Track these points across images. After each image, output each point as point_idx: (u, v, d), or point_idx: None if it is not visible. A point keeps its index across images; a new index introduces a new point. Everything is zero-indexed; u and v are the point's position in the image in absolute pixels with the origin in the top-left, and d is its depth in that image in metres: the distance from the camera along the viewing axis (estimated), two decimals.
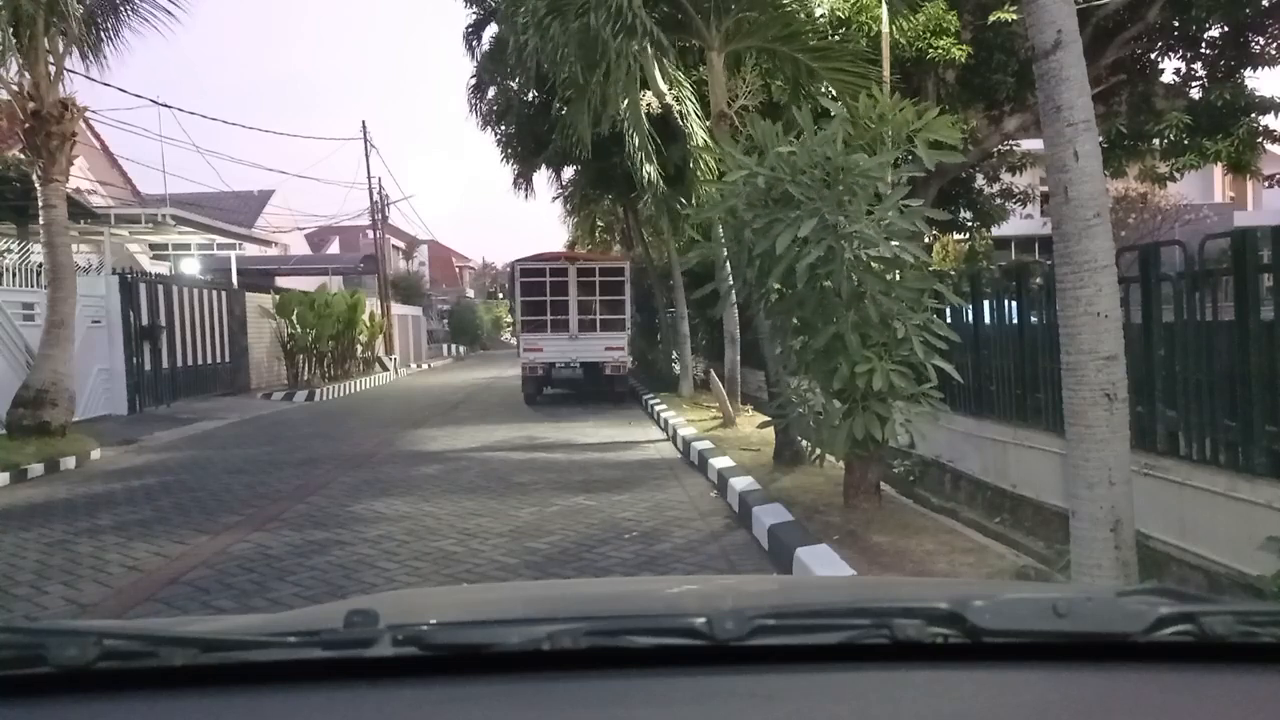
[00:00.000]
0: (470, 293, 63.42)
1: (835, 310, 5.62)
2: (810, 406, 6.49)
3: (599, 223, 26.95)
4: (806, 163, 5.53)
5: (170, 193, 21.36)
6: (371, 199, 31.20)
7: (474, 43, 17.83)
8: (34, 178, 11.36)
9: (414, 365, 34.47)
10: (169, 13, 11.75)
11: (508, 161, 19.35)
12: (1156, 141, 12.82)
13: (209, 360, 19.00)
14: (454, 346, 47.77)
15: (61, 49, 11.33)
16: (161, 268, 21.76)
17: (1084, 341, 3.52)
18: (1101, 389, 3.49)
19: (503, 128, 18.45)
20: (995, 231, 17.21)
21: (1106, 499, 3.50)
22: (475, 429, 13.26)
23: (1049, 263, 4.53)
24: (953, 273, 8.83)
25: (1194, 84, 12.40)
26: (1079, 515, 3.60)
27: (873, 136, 5.72)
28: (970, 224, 16.13)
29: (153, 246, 21.73)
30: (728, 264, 7.56)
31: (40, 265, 12.52)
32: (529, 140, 17.83)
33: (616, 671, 1.00)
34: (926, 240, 14.37)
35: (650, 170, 12.36)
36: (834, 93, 8.81)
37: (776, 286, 5.95)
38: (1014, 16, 10.22)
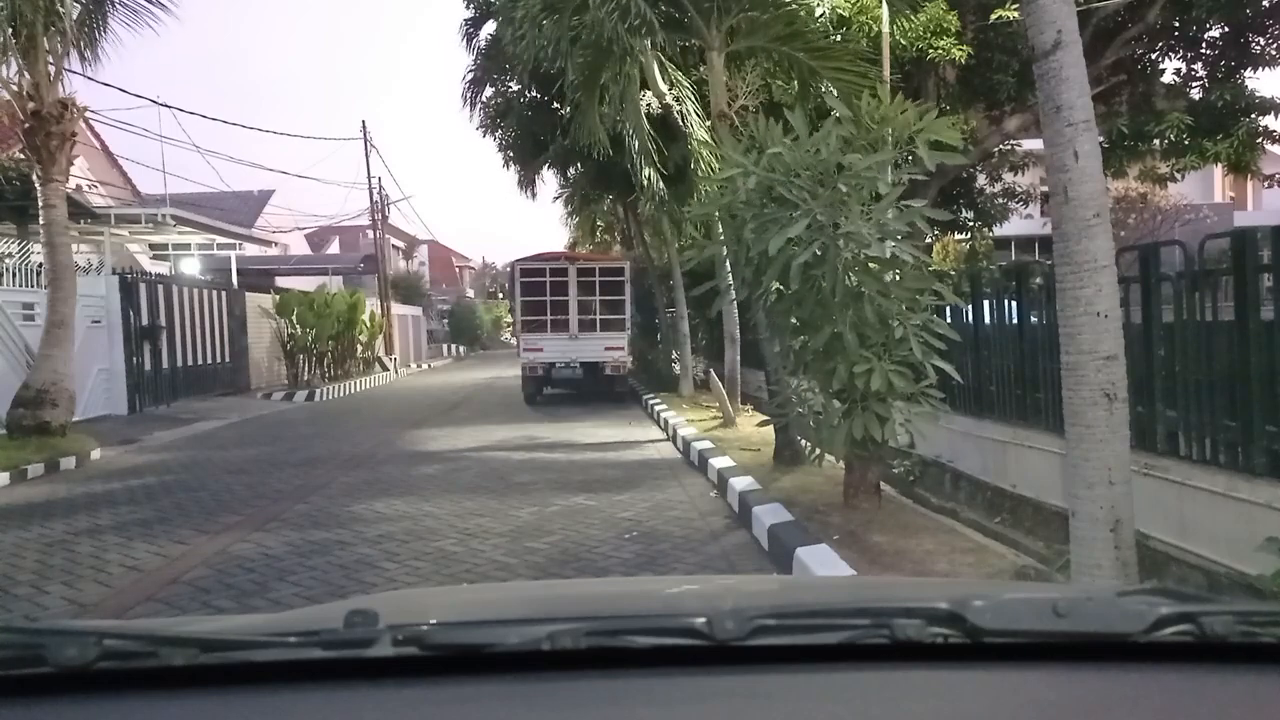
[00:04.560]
0: (470, 293, 63.42)
1: (833, 310, 5.61)
2: (810, 406, 6.49)
3: (599, 223, 26.98)
4: (799, 163, 5.53)
5: (170, 193, 21.36)
6: (371, 199, 31.21)
7: (472, 37, 17.82)
8: (34, 178, 11.35)
9: (414, 365, 34.48)
10: (165, 7, 11.76)
11: (508, 165, 19.36)
12: (1157, 142, 12.83)
13: (209, 360, 19.00)
14: (454, 346, 47.77)
15: (60, 49, 11.33)
16: (161, 268, 21.76)
17: (1084, 341, 3.51)
18: (1101, 389, 3.49)
19: (502, 129, 18.44)
20: (995, 231, 17.22)
21: (1106, 499, 3.50)
22: (475, 429, 13.26)
23: (1049, 263, 4.53)
24: (952, 272, 8.83)
25: (1194, 84, 12.42)
26: (1079, 515, 3.60)
27: (875, 137, 5.71)
28: (971, 224, 16.15)
29: (153, 246, 21.73)
30: (727, 262, 7.56)
31: (40, 265, 12.52)
32: (529, 141, 17.83)
33: (616, 671, 0.99)
34: (927, 240, 14.40)
35: (650, 173, 12.36)
36: (835, 92, 8.81)
37: (775, 286, 5.95)
38: (1015, 15, 10.23)
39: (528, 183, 20.04)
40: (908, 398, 5.79)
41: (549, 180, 20.85)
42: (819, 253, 5.38)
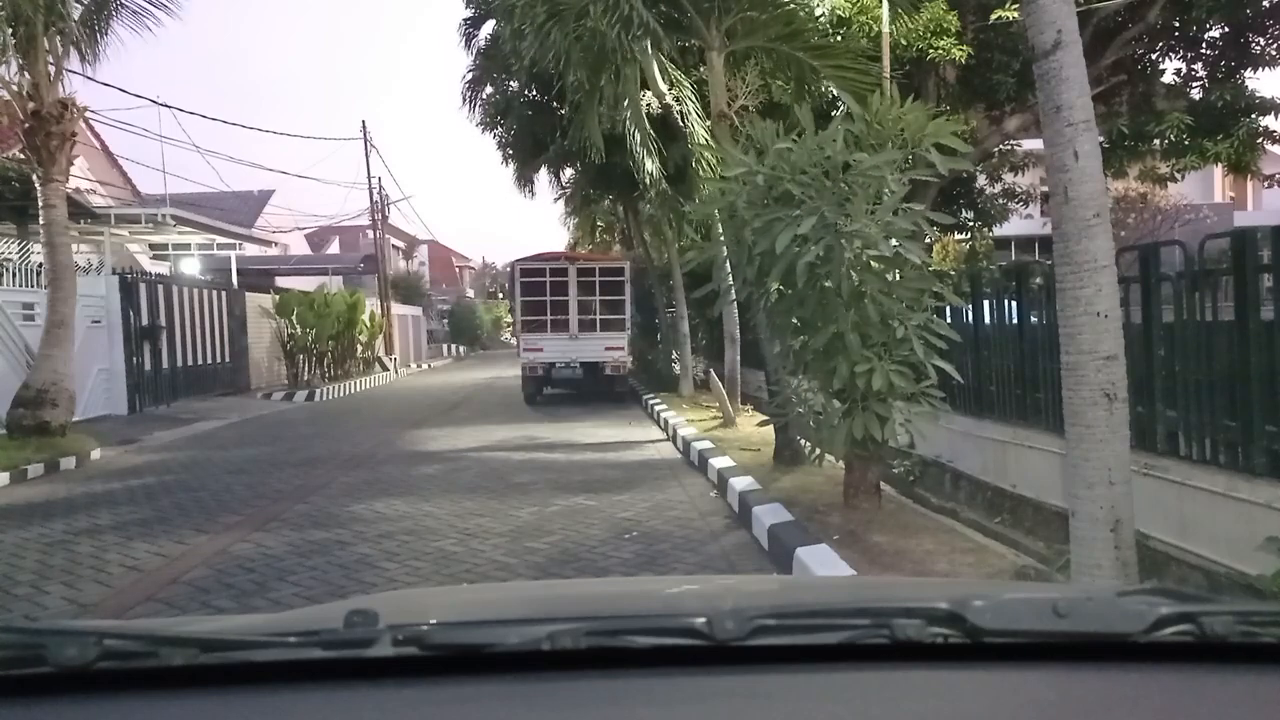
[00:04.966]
0: (470, 293, 63.43)
1: (835, 310, 5.62)
2: (810, 406, 6.49)
3: (599, 223, 26.97)
4: (806, 161, 5.53)
5: (170, 193, 21.37)
6: (371, 199, 31.22)
7: (471, 36, 17.81)
8: (34, 178, 11.35)
9: (414, 365, 34.48)
10: (166, 9, 11.76)
11: (507, 163, 19.35)
12: (1157, 142, 12.83)
13: (209, 360, 19.00)
14: (454, 346, 47.77)
15: (60, 49, 11.33)
16: (161, 268, 21.76)
17: (1084, 341, 3.52)
18: (1101, 389, 3.49)
19: (502, 127, 18.43)
20: (995, 231, 17.22)
21: (1106, 499, 3.50)
22: (475, 429, 13.26)
23: (1049, 263, 4.53)
24: (953, 273, 8.83)
25: (1194, 84, 12.41)
26: (1079, 515, 3.60)
27: (885, 137, 5.71)
28: (971, 224, 16.15)
29: (153, 246, 21.73)
30: (728, 263, 7.57)
31: (40, 265, 12.52)
32: (528, 141, 17.82)
33: (616, 671, 0.99)
34: (927, 240, 14.41)
35: (652, 167, 12.37)
36: (836, 91, 8.82)
37: (776, 286, 5.95)
38: (1015, 15, 10.23)
39: (525, 182, 20.03)
40: (908, 397, 5.79)
41: (549, 180, 20.86)
42: (822, 253, 5.38)
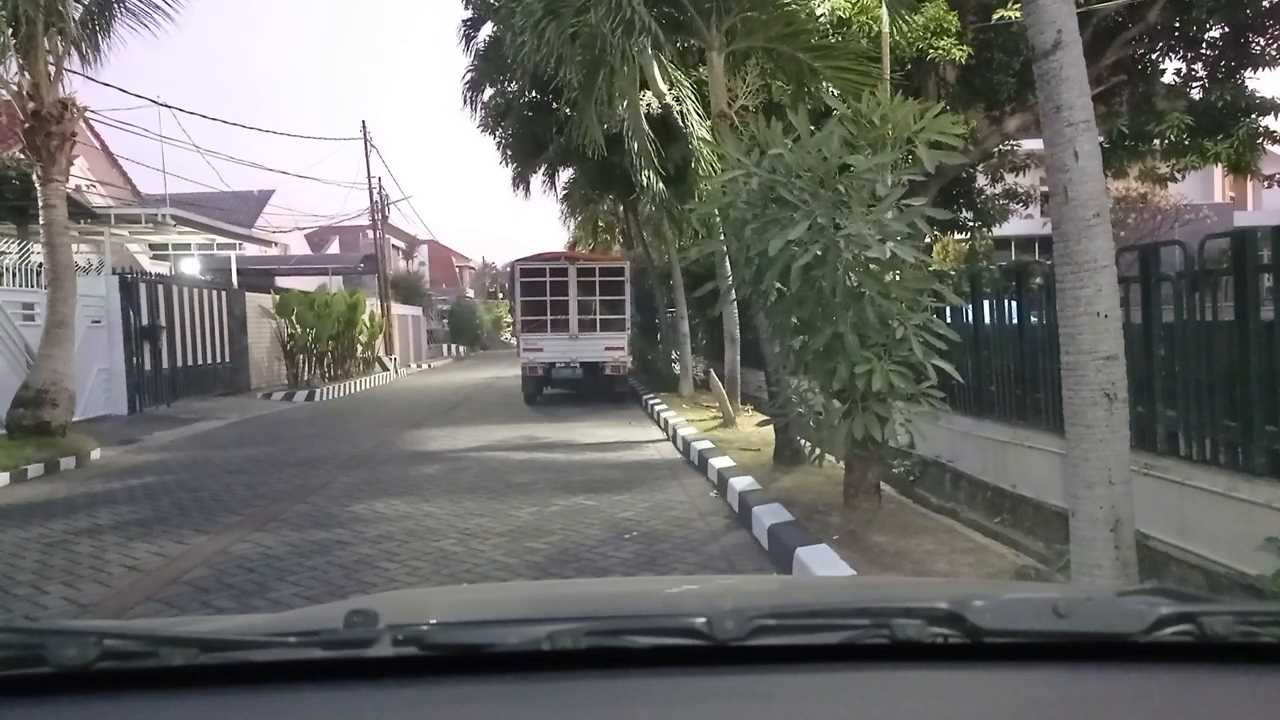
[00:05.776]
0: (470, 293, 63.44)
1: (834, 310, 5.61)
2: (810, 406, 6.49)
3: (599, 223, 27.00)
4: (801, 165, 5.53)
5: (170, 193, 21.37)
6: (371, 199, 31.22)
7: (471, 38, 17.80)
8: (34, 178, 11.35)
9: (414, 365, 34.49)
10: (164, 13, 11.76)
11: (507, 163, 19.35)
12: (1157, 142, 12.82)
13: (209, 360, 19.00)
14: (454, 346, 47.79)
15: (61, 49, 11.33)
16: (161, 268, 21.76)
17: (1084, 341, 3.51)
18: (1101, 389, 3.49)
19: (502, 129, 18.43)
20: (995, 231, 17.22)
21: (1106, 499, 3.50)
22: (475, 429, 13.26)
23: (1049, 263, 4.53)
24: (953, 273, 8.83)
25: (1194, 85, 12.41)
26: (1079, 515, 3.60)
27: (876, 137, 5.71)
28: (971, 224, 16.15)
29: (153, 246, 21.73)
30: (728, 261, 7.56)
31: (40, 265, 12.52)
32: (528, 141, 17.81)
33: (616, 671, 1.00)
34: (927, 240, 14.42)
35: (649, 174, 12.37)
36: (836, 92, 8.81)
37: (776, 286, 5.95)
38: (1016, 15, 10.22)
39: (522, 182, 20.03)
40: (908, 398, 5.79)
41: (548, 180, 20.84)
42: (819, 254, 5.38)
